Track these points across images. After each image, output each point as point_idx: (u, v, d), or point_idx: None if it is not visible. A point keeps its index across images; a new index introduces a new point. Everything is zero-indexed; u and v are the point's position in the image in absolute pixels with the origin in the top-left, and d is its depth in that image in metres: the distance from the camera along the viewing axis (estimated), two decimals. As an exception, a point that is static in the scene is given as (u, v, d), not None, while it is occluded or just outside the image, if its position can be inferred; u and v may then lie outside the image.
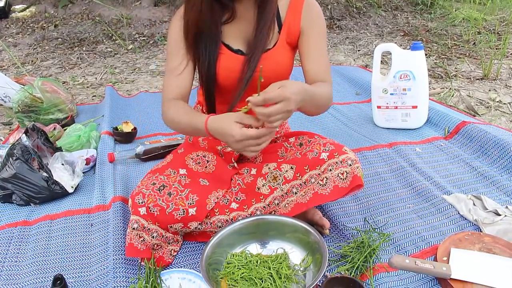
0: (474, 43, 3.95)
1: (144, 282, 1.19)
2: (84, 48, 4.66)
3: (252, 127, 1.15)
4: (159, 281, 1.22)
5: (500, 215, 1.48)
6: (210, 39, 1.33)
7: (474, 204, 1.56)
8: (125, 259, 1.33)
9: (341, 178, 1.30)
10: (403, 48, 2.21)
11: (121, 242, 1.40)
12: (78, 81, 3.64)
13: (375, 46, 2.43)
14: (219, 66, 1.35)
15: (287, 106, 1.08)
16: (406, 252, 1.38)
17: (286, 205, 1.37)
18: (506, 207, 1.53)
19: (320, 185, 1.31)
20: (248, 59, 1.32)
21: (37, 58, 4.37)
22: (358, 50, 4.19)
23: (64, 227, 1.59)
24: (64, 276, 1.06)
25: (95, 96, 3.26)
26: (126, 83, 3.54)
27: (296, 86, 1.13)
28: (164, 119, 1.41)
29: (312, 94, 1.22)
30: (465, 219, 1.51)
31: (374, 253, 1.30)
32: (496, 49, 3.54)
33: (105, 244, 1.46)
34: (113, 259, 1.33)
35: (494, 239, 1.35)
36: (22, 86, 2.61)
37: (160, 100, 2.96)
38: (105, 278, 1.30)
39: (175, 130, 1.44)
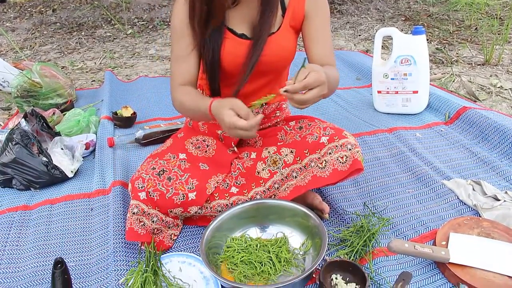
0: (476, 28, 3.92)
1: (144, 266, 1.19)
2: (83, 33, 4.63)
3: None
4: (159, 265, 1.22)
5: (499, 200, 1.48)
6: (215, 24, 1.32)
7: (473, 189, 1.56)
8: (125, 243, 1.34)
9: (340, 162, 1.30)
10: (404, 33, 2.19)
11: (121, 226, 1.41)
12: (77, 66, 3.62)
13: (376, 31, 2.41)
14: (223, 51, 1.34)
15: (323, 91, 1.07)
16: (405, 236, 1.38)
17: (286, 189, 1.37)
18: (506, 192, 1.53)
19: (319, 168, 1.31)
20: (253, 43, 1.31)
21: (36, 43, 4.34)
22: (359, 35, 4.16)
23: (64, 211, 1.59)
24: (65, 260, 1.06)
25: (94, 81, 3.25)
26: (126, 67, 3.52)
27: (323, 70, 1.11)
28: (174, 105, 1.41)
29: (329, 78, 1.19)
30: (464, 204, 1.51)
31: (373, 237, 1.31)
32: (498, 34, 3.51)
33: (105, 228, 1.46)
34: (113, 243, 1.34)
35: (492, 224, 1.35)
36: (21, 71, 2.60)
37: (160, 85, 2.98)
38: (106, 262, 1.31)
39: (185, 115, 1.44)
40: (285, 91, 1.06)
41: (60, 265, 1.03)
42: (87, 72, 3.47)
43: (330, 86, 1.22)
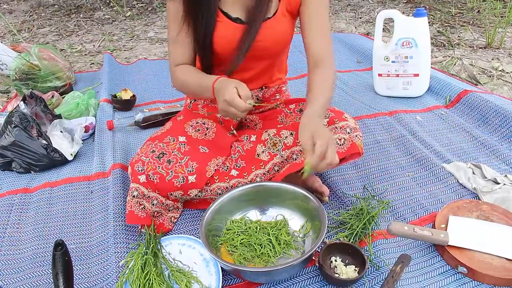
0: (479, 10, 3.88)
1: (144, 248, 1.20)
2: (81, 15, 4.58)
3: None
4: (159, 247, 1.23)
5: (499, 183, 1.49)
6: (207, 6, 1.29)
7: (473, 173, 1.56)
8: (125, 226, 1.35)
9: (338, 144, 1.29)
10: (406, 16, 2.17)
11: (121, 208, 1.41)
12: (76, 48, 3.59)
13: (377, 13, 2.38)
14: (216, 35, 1.31)
15: (332, 143, 1.08)
16: (404, 219, 1.39)
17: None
18: (505, 176, 1.53)
19: None
20: (248, 28, 1.29)
21: (34, 25, 4.30)
22: (360, 18, 4.11)
23: (64, 194, 1.60)
24: (65, 242, 1.06)
25: (93, 63, 3.23)
26: (125, 50, 3.50)
27: (317, 123, 1.12)
28: (173, 83, 1.42)
29: (325, 106, 1.22)
30: (464, 187, 1.52)
31: (373, 220, 1.31)
32: (501, 17, 3.48)
33: (105, 210, 1.47)
34: (113, 226, 1.34)
35: (492, 207, 1.36)
36: (19, 53, 2.58)
37: (159, 68, 2.97)
38: (106, 244, 1.32)
39: (184, 91, 1.45)
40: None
41: (60, 247, 1.04)
42: (86, 54, 3.44)
43: (328, 103, 1.25)
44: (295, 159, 1.35)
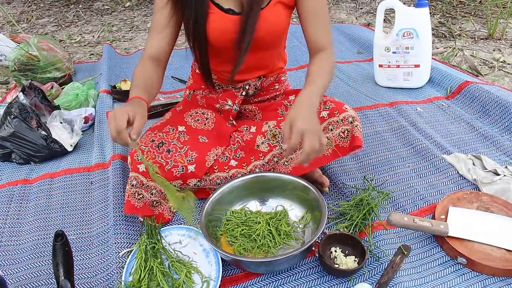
0: (480, 1, 3.85)
1: (146, 238, 1.20)
2: (80, 6, 4.55)
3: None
4: (159, 238, 1.23)
5: (499, 174, 1.48)
6: None
7: (473, 164, 1.56)
8: (125, 216, 1.35)
9: (342, 137, 1.29)
10: (407, 6, 2.15)
11: (121, 199, 1.41)
12: (75, 39, 3.58)
13: (378, 3, 2.37)
14: (209, 27, 1.29)
15: (314, 133, 1.04)
16: (404, 210, 1.39)
17: (286, 163, 1.36)
18: (506, 167, 1.53)
19: None
20: (244, 19, 1.27)
21: (32, 16, 4.28)
22: (361, 8, 4.09)
23: (64, 185, 1.60)
24: (65, 233, 1.06)
25: (92, 54, 3.21)
26: (124, 41, 3.48)
27: (302, 109, 1.09)
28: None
29: (320, 90, 1.19)
30: (464, 178, 1.51)
31: (373, 211, 1.31)
32: (503, 7, 3.45)
33: (105, 201, 1.47)
34: (114, 216, 1.34)
35: (492, 198, 1.36)
36: (18, 44, 2.56)
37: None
38: (106, 235, 1.32)
39: None
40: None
41: (60, 238, 1.04)
42: (85, 45, 3.43)
43: (326, 86, 1.23)
44: (295, 150, 1.34)
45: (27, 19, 4.20)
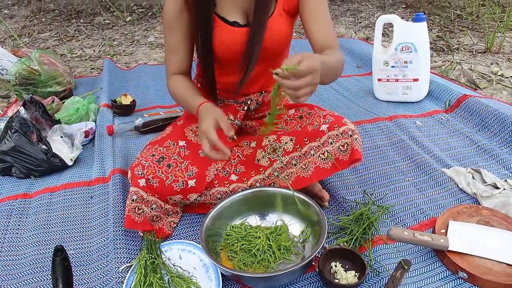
0: (478, 15, 3.89)
1: (145, 253, 1.19)
2: (81, 20, 4.59)
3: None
4: (159, 252, 1.23)
5: (498, 188, 1.48)
6: (204, 12, 1.30)
7: (473, 178, 1.56)
8: (125, 231, 1.34)
9: (341, 151, 1.30)
10: (405, 20, 2.17)
11: (121, 214, 1.41)
12: (76, 53, 3.60)
13: (377, 18, 2.39)
14: (215, 40, 1.32)
15: (315, 79, 1.00)
16: (404, 224, 1.38)
17: (286, 177, 1.37)
18: (505, 181, 1.53)
19: (322, 159, 1.31)
20: (252, 30, 1.29)
21: (34, 30, 4.31)
22: (359, 23, 4.13)
23: (64, 199, 1.59)
24: (65, 247, 1.06)
25: (93, 68, 3.23)
26: (125, 55, 3.50)
27: (317, 58, 1.05)
28: (168, 89, 1.46)
29: (327, 66, 1.15)
30: (464, 192, 1.51)
31: (372, 225, 1.31)
32: (500, 21, 3.49)
33: (105, 216, 1.46)
34: (113, 231, 1.34)
35: (492, 212, 1.35)
36: (19, 58, 2.58)
37: (159, 73, 2.97)
38: (106, 250, 1.32)
39: (173, 99, 1.48)
40: (275, 73, 0.99)
41: (60, 253, 1.04)
42: (86, 59, 3.45)
43: (330, 73, 1.20)
44: (295, 164, 1.35)
45: (29, 33, 4.23)
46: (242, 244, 1.23)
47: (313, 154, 1.32)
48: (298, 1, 1.33)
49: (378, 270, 1.18)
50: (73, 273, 1.07)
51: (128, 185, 1.36)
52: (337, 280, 1.14)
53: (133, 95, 2.36)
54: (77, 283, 1.21)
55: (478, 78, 2.63)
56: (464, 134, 1.89)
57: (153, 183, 1.28)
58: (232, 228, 1.30)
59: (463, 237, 1.24)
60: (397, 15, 2.21)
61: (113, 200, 1.48)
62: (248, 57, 1.30)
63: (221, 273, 1.16)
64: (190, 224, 1.43)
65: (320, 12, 1.33)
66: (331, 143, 1.31)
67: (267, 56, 1.37)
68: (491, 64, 2.85)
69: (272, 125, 1.17)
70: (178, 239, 1.36)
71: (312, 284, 1.18)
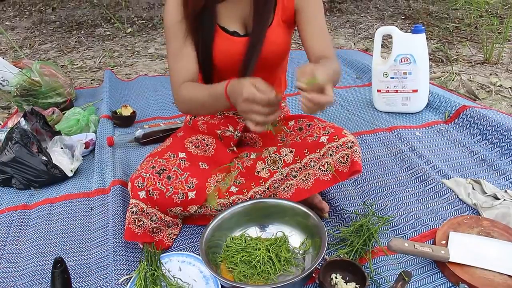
0: (476, 26, 3.91)
1: (144, 265, 1.19)
2: (82, 32, 4.62)
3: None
4: (159, 264, 1.22)
5: (499, 199, 1.48)
6: (206, 21, 1.31)
7: (473, 188, 1.56)
8: (124, 243, 1.34)
9: (341, 162, 1.30)
10: (404, 32, 2.19)
11: (121, 225, 1.40)
12: (77, 64, 3.62)
13: (376, 29, 2.41)
14: (215, 49, 1.33)
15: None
16: (405, 235, 1.38)
17: (286, 189, 1.36)
18: (505, 191, 1.53)
19: (322, 170, 1.31)
20: (251, 40, 1.30)
21: (35, 42, 4.34)
22: (359, 34, 4.15)
23: (64, 210, 1.59)
24: (64, 259, 1.06)
25: (93, 80, 3.24)
26: (125, 66, 3.52)
27: (322, 67, 1.06)
28: (178, 103, 1.38)
29: (330, 67, 1.17)
30: (464, 203, 1.51)
31: (373, 236, 1.31)
32: (498, 33, 3.51)
33: (105, 227, 1.46)
34: (113, 242, 1.34)
35: (492, 223, 1.35)
36: (20, 69, 2.59)
37: (159, 84, 2.98)
38: (105, 261, 1.31)
39: (192, 110, 1.41)
40: (299, 88, 0.97)
41: (59, 265, 1.03)
42: (86, 71, 3.46)
43: (333, 71, 1.19)
44: (295, 176, 1.35)
45: (30, 45, 4.25)
46: (242, 256, 1.23)
47: (313, 166, 1.33)
48: (294, 11, 1.35)
49: (378, 281, 1.18)
50: (72, 285, 1.07)
51: (128, 196, 1.36)
52: (337, 292, 1.14)
53: (133, 106, 2.37)
54: (76, 296, 1.20)
55: (477, 89, 2.64)
56: (463, 144, 1.90)
57: (153, 195, 1.28)
58: (232, 239, 1.30)
59: (463, 248, 1.23)
60: (396, 26, 2.22)
61: (113, 211, 1.47)
62: (246, 67, 1.31)
63: (221, 285, 1.15)
64: (190, 236, 1.42)
65: (317, 21, 1.35)
66: (331, 154, 1.31)
67: (265, 66, 1.38)
68: (490, 74, 2.86)
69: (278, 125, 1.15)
70: (178, 250, 1.36)
71: (312, 296, 1.18)
